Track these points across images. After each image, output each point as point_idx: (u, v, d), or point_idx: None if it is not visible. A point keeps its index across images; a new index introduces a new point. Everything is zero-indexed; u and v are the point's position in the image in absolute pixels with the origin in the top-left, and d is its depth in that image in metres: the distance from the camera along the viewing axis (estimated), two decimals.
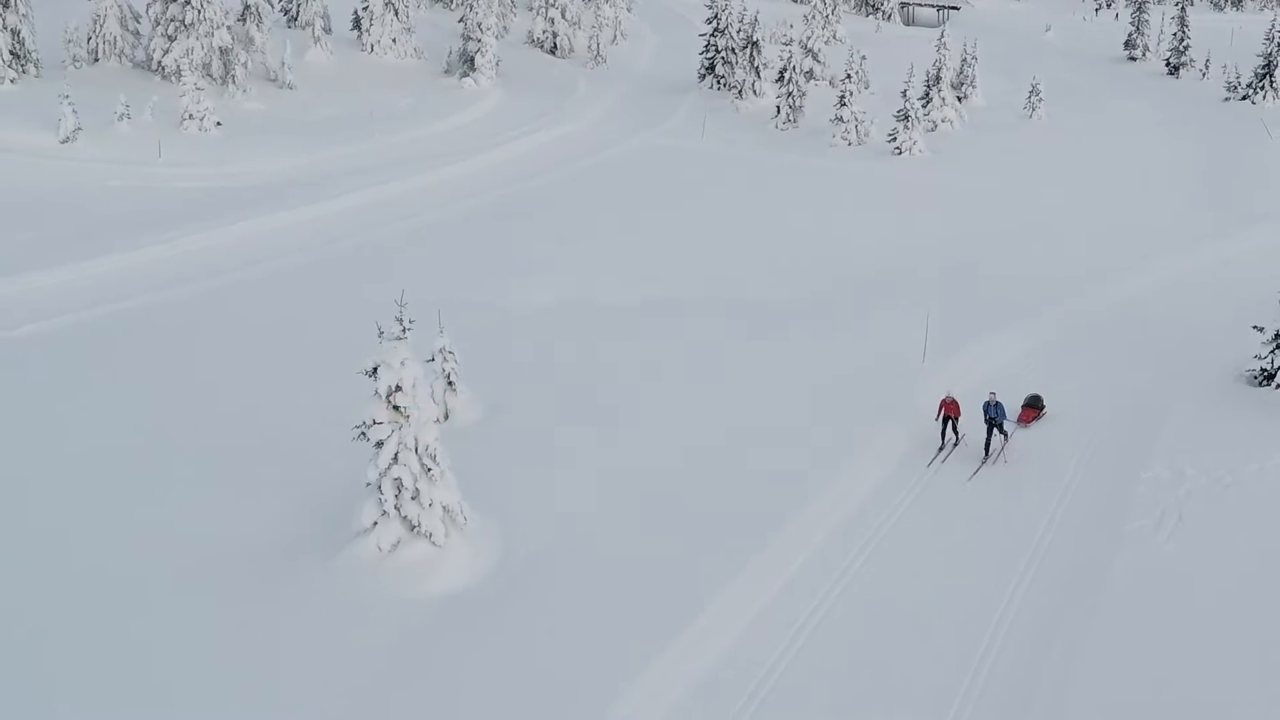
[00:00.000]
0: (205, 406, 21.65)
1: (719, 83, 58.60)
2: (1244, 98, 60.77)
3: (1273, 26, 60.37)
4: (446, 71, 56.56)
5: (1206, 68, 69.62)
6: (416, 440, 16.45)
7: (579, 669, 14.29)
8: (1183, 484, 19.50)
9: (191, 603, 15.44)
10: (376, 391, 16.24)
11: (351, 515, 16.66)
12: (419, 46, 58.95)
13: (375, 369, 16.24)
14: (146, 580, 15.95)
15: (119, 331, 25.74)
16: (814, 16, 62.06)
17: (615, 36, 67.51)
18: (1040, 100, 55.62)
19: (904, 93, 46.96)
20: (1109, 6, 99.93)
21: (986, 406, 21.38)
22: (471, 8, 55.92)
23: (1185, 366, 24.78)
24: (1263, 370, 23.54)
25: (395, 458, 16.37)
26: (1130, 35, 76.46)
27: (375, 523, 16.59)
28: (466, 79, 54.75)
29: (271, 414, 21.30)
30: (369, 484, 16.47)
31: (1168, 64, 71.83)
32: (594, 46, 63.50)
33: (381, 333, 16.66)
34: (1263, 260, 31.29)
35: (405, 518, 16.59)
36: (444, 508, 16.87)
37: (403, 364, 16.26)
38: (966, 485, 20.38)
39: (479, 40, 54.92)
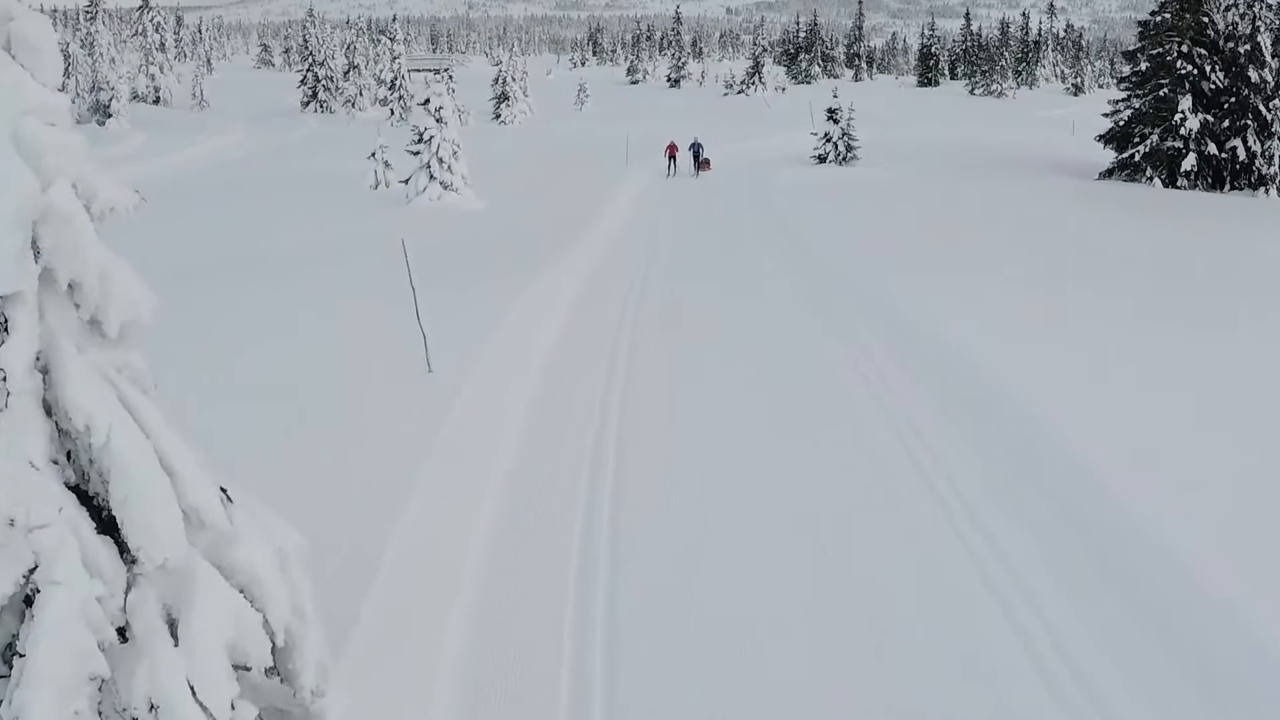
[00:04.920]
0: None
1: (322, 106, 69.11)
2: (740, 91, 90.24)
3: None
4: (79, 121, 59.17)
5: (702, 77, 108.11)
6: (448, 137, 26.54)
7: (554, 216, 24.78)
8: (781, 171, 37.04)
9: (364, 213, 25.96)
10: (428, 110, 26.77)
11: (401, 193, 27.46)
12: None
13: (427, 99, 26.95)
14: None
15: None
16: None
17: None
18: (587, 97, 74.31)
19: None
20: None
21: (694, 145, 38.29)
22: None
23: (779, 160, 40.98)
24: (818, 156, 40.11)
25: (438, 147, 26.38)
26: (631, 65, 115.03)
27: (426, 186, 26.59)
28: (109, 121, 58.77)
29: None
30: (421, 165, 26.74)
31: (669, 79, 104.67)
32: (196, 94, 70.97)
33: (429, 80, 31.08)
34: (764, 147, 47.12)
35: (441, 182, 26.67)
36: (461, 175, 27.05)
37: (441, 95, 26.84)
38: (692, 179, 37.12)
39: (112, 89, 59.52)
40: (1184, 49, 34.13)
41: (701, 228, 26.18)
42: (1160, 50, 34.62)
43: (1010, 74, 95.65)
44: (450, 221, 24.22)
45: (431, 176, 26.36)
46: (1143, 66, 35.43)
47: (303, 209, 27.08)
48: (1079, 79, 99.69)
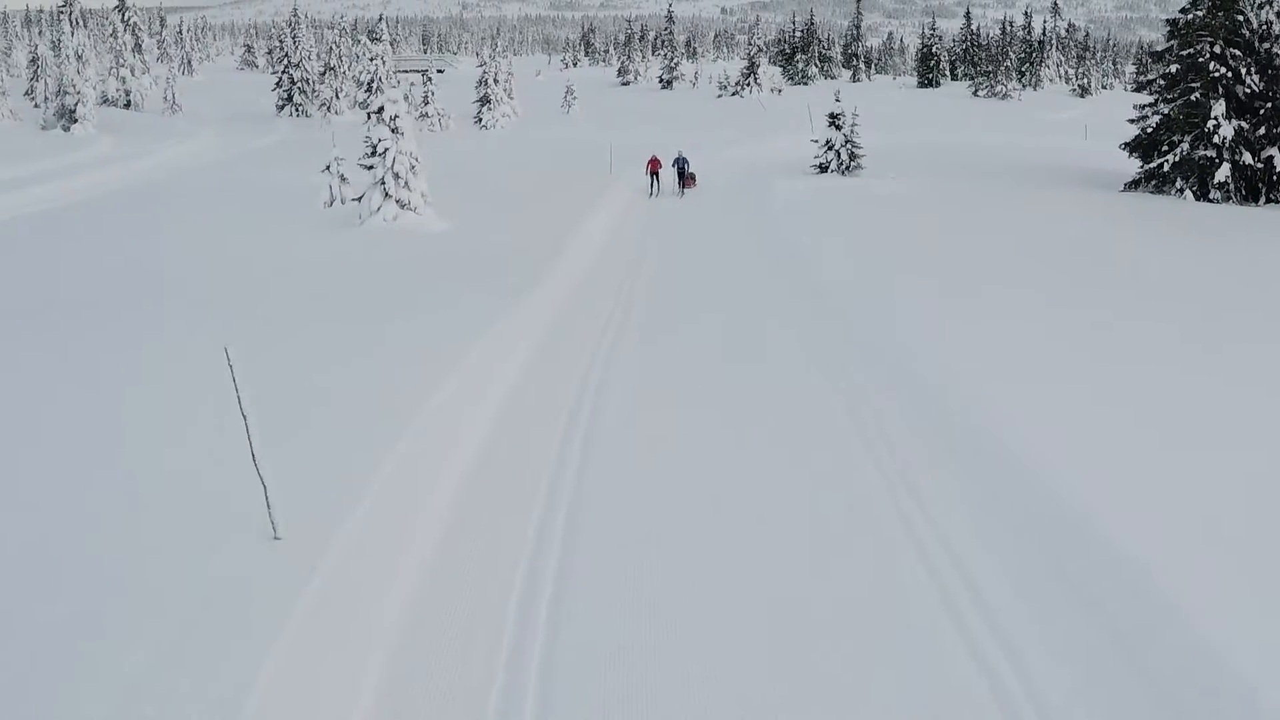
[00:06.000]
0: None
1: (298, 110, 66.05)
2: (734, 93, 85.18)
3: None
4: (45, 127, 57.98)
5: (695, 79, 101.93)
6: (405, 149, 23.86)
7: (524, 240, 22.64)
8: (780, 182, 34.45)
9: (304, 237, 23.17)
10: (382, 119, 23.63)
11: (355, 211, 24.59)
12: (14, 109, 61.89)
13: (381, 107, 23.69)
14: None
15: None
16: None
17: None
18: (575, 99, 68.92)
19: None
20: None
21: (678, 160, 34.41)
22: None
23: (777, 169, 37.87)
24: (820, 165, 37.39)
25: (393, 161, 23.56)
26: (622, 66, 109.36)
27: (380, 205, 23.76)
28: (75, 126, 55.92)
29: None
30: (375, 181, 23.86)
31: (660, 80, 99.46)
32: (168, 98, 68.02)
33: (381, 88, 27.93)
34: (760, 153, 44.08)
35: (398, 200, 23.84)
36: (421, 192, 24.14)
37: (396, 102, 23.80)
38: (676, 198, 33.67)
39: (78, 93, 56.38)
40: (1216, 50, 31.32)
41: (688, 265, 22.35)
42: (1191, 51, 31.77)
43: (1015, 75, 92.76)
44: (401, 248, 21.36)
45: (387, 194, 23.49)
46: (1172, 69, 32.54)
47: (238, 229, 24.23)
48: (1085, 80, 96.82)
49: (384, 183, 23.42)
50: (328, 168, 26.91)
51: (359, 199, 24.23)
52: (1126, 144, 34.03)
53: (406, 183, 23.46)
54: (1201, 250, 23.40)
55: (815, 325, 17.18)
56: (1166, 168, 32.14)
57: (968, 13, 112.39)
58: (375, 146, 23.38)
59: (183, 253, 21.31)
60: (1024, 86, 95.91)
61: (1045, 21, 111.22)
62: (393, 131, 23.27)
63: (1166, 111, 32.54)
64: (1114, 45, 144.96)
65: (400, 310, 15.39)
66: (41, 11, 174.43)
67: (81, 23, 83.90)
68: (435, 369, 12.10)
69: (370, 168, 23.68)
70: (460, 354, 12.91)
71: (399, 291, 17.00)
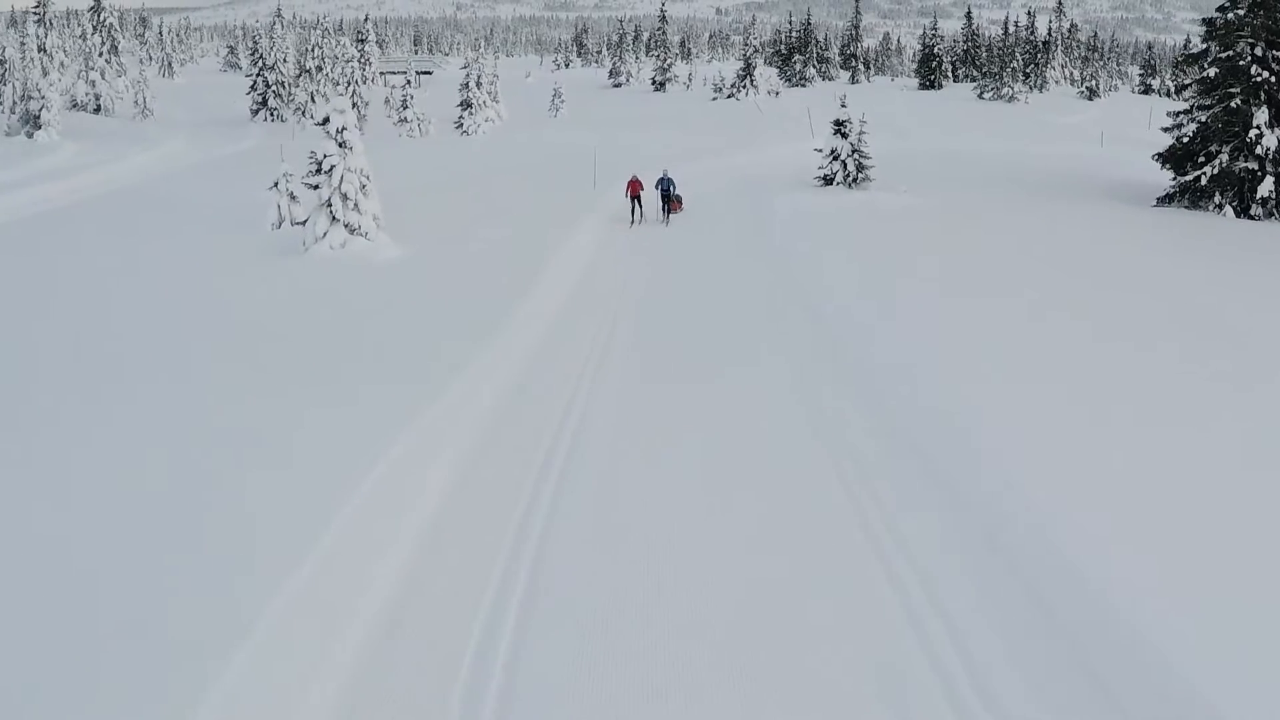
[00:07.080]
0: None
1: (273, 115, 63.38)
2: (729, 95, 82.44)
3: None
4: (8, 133, 54.96)
5: (689, 80, 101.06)
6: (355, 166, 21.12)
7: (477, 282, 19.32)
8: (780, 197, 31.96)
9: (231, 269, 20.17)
10: (328, 133, 20.87)
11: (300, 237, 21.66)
12: None
13: (327, 118, 20.92)
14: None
15: None
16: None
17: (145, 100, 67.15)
18: (563, 103, 66.23)
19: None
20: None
21: (661, 181, 30.40)
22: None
23: (777, 181, 35.20)
24: (824, 177, 34.33)
25: (340, 180, 20.81)
26: (614, 67, 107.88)
27: (327, 231, 20.94)
28: (38, 133, 53.02)
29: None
30: (321, 203, 20.94)
31: (653, 82, 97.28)
32: (139, 102, 65.25)
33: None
34: (758, 162, 41.17)
35: (346, 224, 21.00)
36: (373, 215, 21.39)
37: (344, 113, 20.85)
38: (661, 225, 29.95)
39: (42, 98, 53.31)
40: (1258, 52, 28.55)
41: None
42: (1230, 54, 28.98)
43: (1021, 77, 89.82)
44: (346, 283, 18.53)
45: (334, 218, 20.61)
46: (1210, 73, 29.73)
47: (163, 256, 21.23)
48: (1093, 82, 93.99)
49: (330, 205, 20.54)
50: (275, 184, 24.08)
51: (304, 222, 21.36)
52: (1159, 154, 31.22)
53: (356, 204, 20.57)
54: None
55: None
56: (1204, 181, 29.37)
57: (969, 13, 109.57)
58: (320, 164, 20.48)
59: (73, 293, 18.30)
60: (1030, 89, 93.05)
61: (1050, 21, 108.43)
62: (340, 146, 20.40)
63: (1203, 119, 29.77)
64: (1116, 46, 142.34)
65: (367, 354, 12.79)
66: (27, 12, 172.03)
67: (63, 23, 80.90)
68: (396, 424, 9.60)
69: (316, 187, 20.79)
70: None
71: (362, 336, 14.29)
